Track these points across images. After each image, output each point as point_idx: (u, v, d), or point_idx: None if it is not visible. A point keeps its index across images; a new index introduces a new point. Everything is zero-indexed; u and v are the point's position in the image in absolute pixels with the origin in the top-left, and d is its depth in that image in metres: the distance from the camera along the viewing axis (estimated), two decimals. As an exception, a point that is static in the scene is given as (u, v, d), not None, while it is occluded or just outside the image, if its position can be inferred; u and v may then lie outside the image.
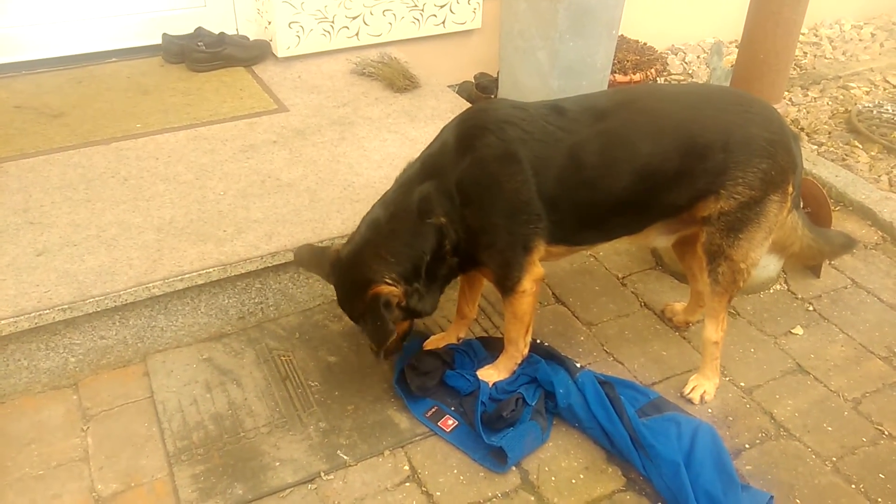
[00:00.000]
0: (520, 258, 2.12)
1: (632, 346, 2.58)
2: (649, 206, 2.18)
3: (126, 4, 3.54)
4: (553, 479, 2.12)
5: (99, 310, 2.30)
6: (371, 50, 3.81)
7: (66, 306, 2.24)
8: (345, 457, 2.15)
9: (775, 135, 2.13)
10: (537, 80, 3.50)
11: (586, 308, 2.74)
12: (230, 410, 2.28)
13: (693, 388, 2.37)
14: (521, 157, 2.05)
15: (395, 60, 3.69)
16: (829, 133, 4.04)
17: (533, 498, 2.07)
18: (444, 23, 3.98)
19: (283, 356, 2.48)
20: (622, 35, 4.13)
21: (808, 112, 4.28)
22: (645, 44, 4.24)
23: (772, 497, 2.04)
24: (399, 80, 3.55)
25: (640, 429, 2.12)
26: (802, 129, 4.07)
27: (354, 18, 3.74)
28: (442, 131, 2.19)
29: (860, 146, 3.90)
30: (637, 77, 3.95)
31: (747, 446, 2.23)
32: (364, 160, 3.01)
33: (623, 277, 2.91)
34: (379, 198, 2.19)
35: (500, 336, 2.42)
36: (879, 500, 2.09)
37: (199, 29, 3.59)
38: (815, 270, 2.94)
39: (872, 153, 3.84)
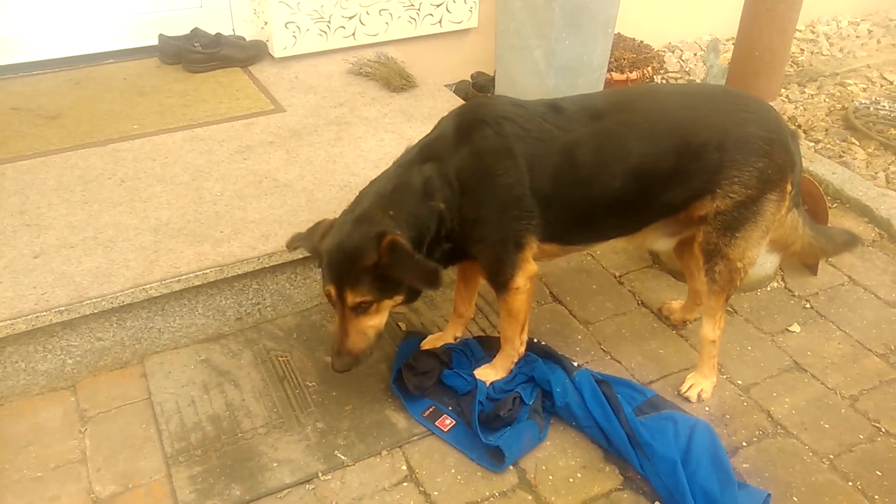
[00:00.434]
0: (512, 254, 2.12)
1: (629, 344, 2.58)
2: (644, 207, 2.18)
3: (122, 6, 3.54)
4: (550, 478, 2.12)
5: (96, 311, 2.30)
6: (368, 50, 3.81)
7: (63, 308, 2.24)
8: (342, 457, 2.15)
9: (772, 133, 2.13)
10: (534, 79, 3.51)
11: (583, 307, 2.74)
12: (228, 411, 2.28)
13: (690, 387, 2.38)
14: (517, 152, 2.06)
15: (392, 60, 3.69)
16: (826, 130, 4.04)
17: (530, 497, 2.07)
18: (440, 22, 3.98)
19: (281, 357, 2.48)
20: (619, 33, 4.13)
21: (805, 109, 4.28)
22: (642, 42, 4.24)
23: (769, 495, 2.04)
24: (396, 80, 3.55)
25: (637, 427, 2.13)
26: (799, 127, 4.07)
27: (351, 18, 3.75)
28: (439, 122, 2.18)
29: (857, 143, 3.90)
30: (634, 75, 3.95)
31: (744, 444, 2.24)
32: (361, 160, 3.01)
33: (620, 276, 2.91)
34: (376, 176, 2.13)
35: (498, 335, 2.42)
36: (876, 497, 2.09)
37: (195, 30, 3.59)
38: (812, 268, 2.94)
39: (869, 150, 3.84)
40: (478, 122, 2.09)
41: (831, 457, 2.20)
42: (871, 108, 4.19)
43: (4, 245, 2.47)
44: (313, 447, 2.18)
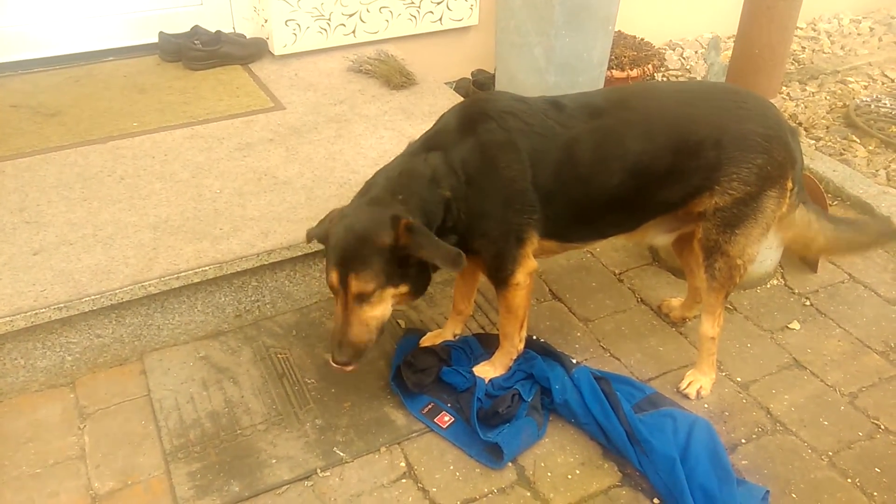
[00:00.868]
0: (513, 249, 2.12)
1: (628, 341, 2.58)
2: (642, 204, 2.18)
3: (122, 3, 3.54)
4: (549, 474, 2.12)
5: (95, 308, 2.30)
6: (368, 47, 3.81)
7: (62, 305, 2.25)
8: (341, 454, 2.15)
9: (771, 130, 2.13)
10: (534, 76, 3.50)
11: (583, 304, 2.74)
12: (227, 408, 2.28)
13: (689, 384, 2.37)
14: (521, 147, 2.06)
15: (392, 58, 3.69)
16: (827, 128, 4.04)
17: (529, 494, 2.07)
18: (440, 20, 3.98)
19: (280, 354, 2.48)
20: (619, 31, 4.13)
21: (806, 107, 4.28)
22: (642, 39, 4.24)
23: (767, 492, 2.04)
24: (396, 78, 3.55)
25: (636, 424, 2.12)
26: (800, 124, 4.06)
27: (351, 16, 3.74)
28: (442, 116, 2.18)
29: (858, 141, 3.89)
30: (634, 73, 3.94)
31: (743, 441, 2.24)
32: (360, 158, 3.01)
33: (620, 273, 2.91)
34: (382, 167, 2.12)
35: (497, 333, 2.41)
36: (875, 494, 2.09)
37: (195, 27, 3.59)
38: (811, 265, 2.93)
39: (870, 148, 3.84)
40: (482, 116, 2.09)
41: (830, 454, 2.20)
42: (872, 106, 4.18)
43: (4, 242, 2.47)
44: (312, 444, 2.18)
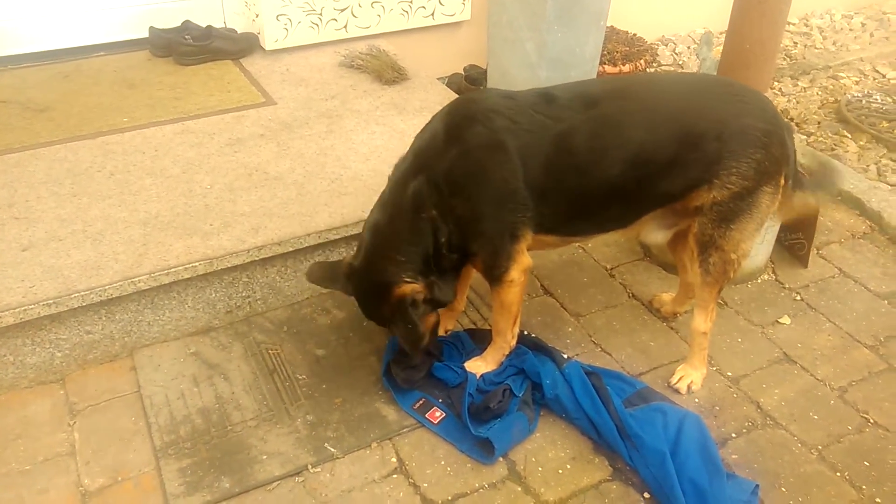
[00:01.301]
0: (507, 246, 2.12)
1: (619, 336, 2.59)
2: (641, 195, 2.18)
3: (112, -2, 3.52)
4: (540, 469, 2.12)
5: (85, 305, 2.29)
6: (359, 42, 3.79)
7: (51, 301, 2.24)
8: (332, 449, 2.15)
9: (770, 125, 2.13)
10: (526, 72, 3.50)
11: (574, 299, 2.74)
12: (217, 404, 2.28)
13: (680, 378, 2.38)
14: (509, 146, 2.05)
15: (384, 53, 3.68)
16: (819, 123, 4.05)
17: (520, 488, 2.07)
18: (433, 14, 3.96)
19: (271, 350, 2.48)
20: (611, 26, 4.12)
21: (797, 102, 4.29)
22: (634, 35, 4.23)
23: (757, 486, 2.05)
24: (387, 73, 3.54)
25: (626, 419, 2.13)
26: (792, 119, 4.07)
27: (343, 11, 3.73)
28: (431, 121, 2.18)
29: (849, 136, 3.90)
30: (626, 68, 3.94)
31: (734, 435, 2.24)
32: (352, 153, 3.00)
33: (611, 268, 2.91)
34: (377, 199, 2.19)
35: (488, 328, 2.42)
36: (864, 487, 2.10)
37: (186, 22, 3.57)
38: (802, 260, 2.94)
39: (861, 143, 3.85)
40: (467, 121, 2.09)
41: (820, 448, 2.21)
42: (864, 102, 4.19)
43: (-8, 238, 2.46)
44: (303, 440, 2.18)
